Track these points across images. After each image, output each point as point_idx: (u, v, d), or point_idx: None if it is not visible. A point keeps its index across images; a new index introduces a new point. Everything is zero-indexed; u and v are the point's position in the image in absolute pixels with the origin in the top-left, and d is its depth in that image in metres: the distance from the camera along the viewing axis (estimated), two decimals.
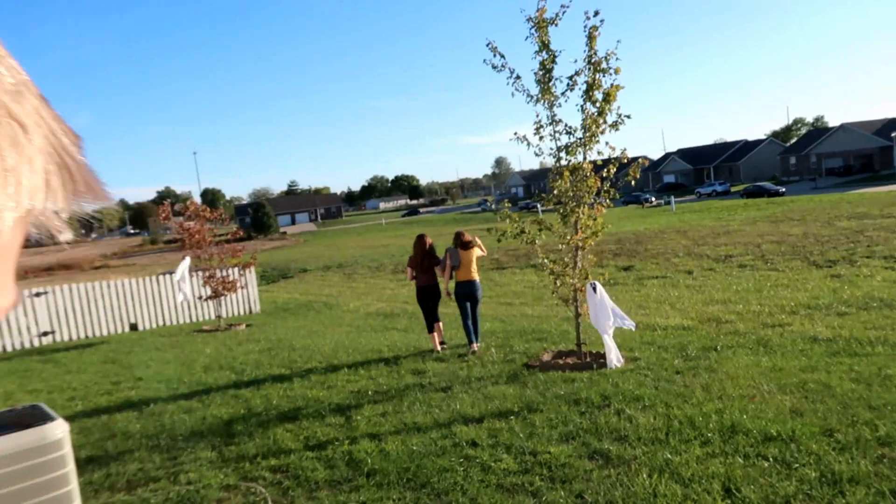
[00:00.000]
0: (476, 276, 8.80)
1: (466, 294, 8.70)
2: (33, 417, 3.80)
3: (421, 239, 9.08)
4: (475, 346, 8.59)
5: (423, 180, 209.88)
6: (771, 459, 4.17)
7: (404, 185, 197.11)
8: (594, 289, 6.67)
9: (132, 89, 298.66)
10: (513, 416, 5.50)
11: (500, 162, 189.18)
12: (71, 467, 3.71)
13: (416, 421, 5.64)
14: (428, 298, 8.91)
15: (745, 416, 4.96)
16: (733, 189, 65.65)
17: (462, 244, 8.74)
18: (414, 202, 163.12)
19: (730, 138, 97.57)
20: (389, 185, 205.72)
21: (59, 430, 3.68)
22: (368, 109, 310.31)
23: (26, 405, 4.11)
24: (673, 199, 56.96)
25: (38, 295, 13.99)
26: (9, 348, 13.42)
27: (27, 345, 13.64)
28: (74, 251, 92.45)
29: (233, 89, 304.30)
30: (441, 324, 9.15)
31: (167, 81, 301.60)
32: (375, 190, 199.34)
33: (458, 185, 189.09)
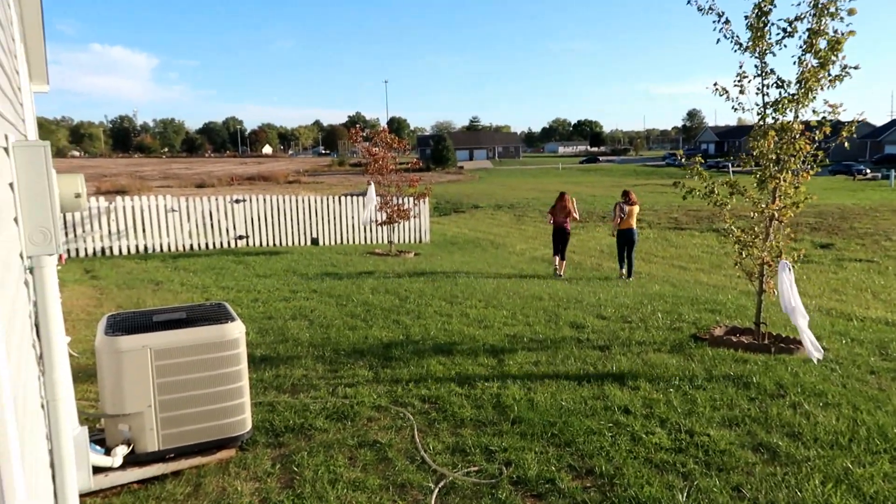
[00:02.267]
0: (635, 226, 12.24)
1: (627, 238, 12.20)
2: (217, 315, 4.15)
3: (562, 196, 12.83)
4: (628, 278, 12.16)
5: (607, 127, 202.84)
6: None
7: (586, 131, 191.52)
8: (788, 269, 5.97)
9: (333, 18, 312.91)
10: (672, 389, 5.17)
11: (692, 115, 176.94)
12: (243, 365, 4.03)
13: (569, 375, 5.49)
14: (557, 235, 12.69)
15: None
16: None
17: (629, 202, 12.11)
18: (594, 149, 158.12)
19: None
20: (571, 129, 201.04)
21: (237, 330, 3.99)
22: (558, 51, 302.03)
23: (213, 302, 4.50)
24: (893, 172, 50.03)
25: (237, 202, 15.46)
26: (210, 247, 15.06)
27: (225, 245, 15.22)
28: (273, 164, 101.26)
29: (427, 22, 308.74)
30: (564, 262, 12.76)
31: (365, 11, 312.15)
32: (556, 133, 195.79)
33: (644, 135, 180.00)
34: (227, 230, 15.36)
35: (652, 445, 4.14)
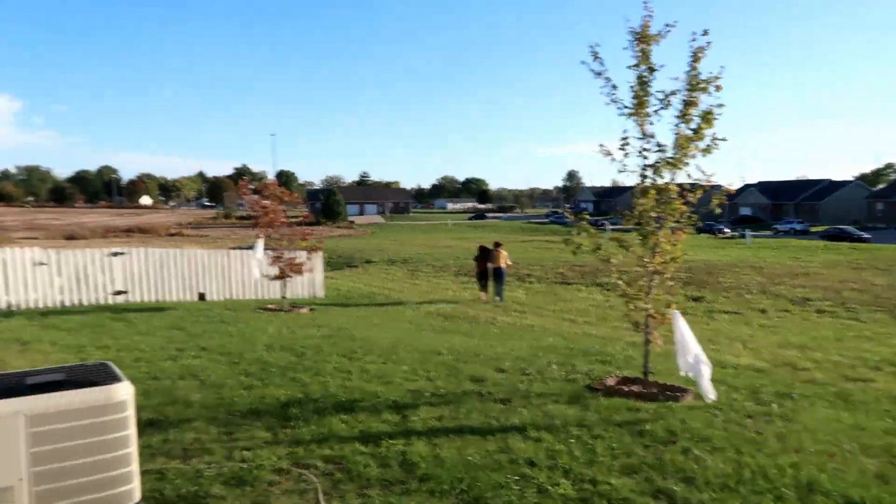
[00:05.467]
0: (502, 265, 18.28)
1: (496, 273, 18.24)
2: (101, 376, 3.85)
3: (484, 247, 19.10)
4: (497, 301, 18.09)
5: (493, 185, 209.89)
6: None
7: (473, 189, 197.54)
8: (680, 317, 6.38)
9: (218, 66, 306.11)
10: (573, 440, 5.29)
11: (571, 175, 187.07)
12: (132, 429, 3.74)
13: (473, 430, 5.49)
14: (482, 276, 18.86)
15: (823, 475, 4.61)
16: (812, 230, 62.89)
17: (496, 248, 18.32)
18: (482, 206, 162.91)
19: (813, 176, 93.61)
20: (459, 186, 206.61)
21: (124, 391, 3.71)
22: (448, 111, 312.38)
23: (96, 362, 4.18)
24: (749, 232, 54.95)
25: (115, 255, 14.55)
26: (85, 303, 14.00)
27: (102, 301, 14.21)
28: (153, 216, 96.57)
29: (315, 75, 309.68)
30: (486, 294, 18.69)
31: (253, 61, 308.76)
32: (445, 190, 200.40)
33: (528, 193, 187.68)
34: (105, 285, 14.36)
35: (558, 497, 4.19)
